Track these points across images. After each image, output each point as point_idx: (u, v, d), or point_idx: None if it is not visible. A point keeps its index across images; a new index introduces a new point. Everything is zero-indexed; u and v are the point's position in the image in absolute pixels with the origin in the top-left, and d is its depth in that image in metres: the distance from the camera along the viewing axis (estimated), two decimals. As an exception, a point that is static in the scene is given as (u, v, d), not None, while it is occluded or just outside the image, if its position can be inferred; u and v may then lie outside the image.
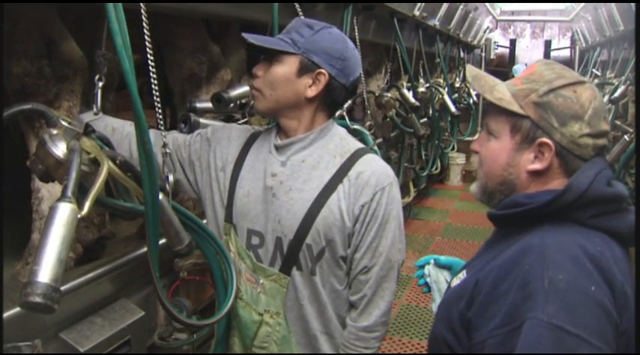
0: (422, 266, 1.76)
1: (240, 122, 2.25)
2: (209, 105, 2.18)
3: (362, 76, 2.46)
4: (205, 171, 1.79)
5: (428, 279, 1.72)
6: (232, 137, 1.81)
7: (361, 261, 1.69)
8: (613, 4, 6.30)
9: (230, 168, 1.76)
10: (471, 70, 1.43)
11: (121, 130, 1.74)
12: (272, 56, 1.65)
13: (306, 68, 1.63)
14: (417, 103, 4.37)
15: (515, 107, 1.29)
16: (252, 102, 2.20)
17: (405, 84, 4.52)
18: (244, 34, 1.65)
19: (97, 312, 1.67)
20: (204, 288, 2.05)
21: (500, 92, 1.32)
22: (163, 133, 1.71)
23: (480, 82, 1.36)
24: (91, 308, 1.66)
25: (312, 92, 1.65)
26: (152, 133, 1.77)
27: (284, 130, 1.72)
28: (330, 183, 1.66)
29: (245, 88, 2.24)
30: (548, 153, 1.26)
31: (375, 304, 1.71)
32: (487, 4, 9.82)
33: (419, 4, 4.44)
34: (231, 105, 2.15)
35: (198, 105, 2.18)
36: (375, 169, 1.69)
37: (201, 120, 2.05)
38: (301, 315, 1.72)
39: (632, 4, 5.11)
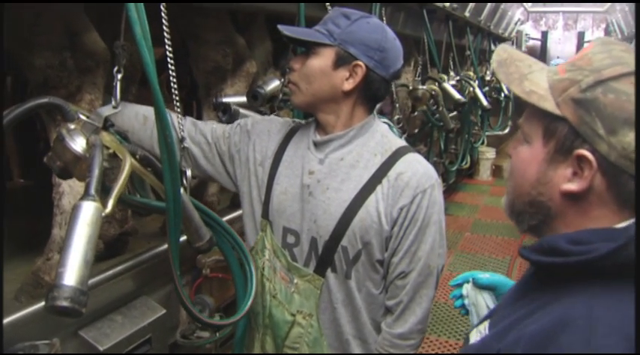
0: (459, 285, 1.55)
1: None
2: (235, 99, 2.14)
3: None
4: (244, 164, 1.75)
5: (466, 301, 1.52)
6: (272, 130, 1.76)
7: (399, 265, 1.62)
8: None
9: (269, 163, 1.71)
10: (500, 52, 1.08)
11: (153, 118, 1.70)
12: (308, 48, 1.60)
13: (343, 60, 1.57)
14: (464, 98, 4.22)
15: (548, 104, 0.96)
16: (280, 96, 2.17)
17: (446, 78, 4.41)
18: (280, 27, 1.60)
19: (118, 310, 1.64)
20: (228, 286, 2.02)
21: (534, 83, 1.00)
22: (180, 127, 1.67)
23: (508, 68, 1.04)
24: (112, 306, 1.64)
25: (349, 85, 1.58)
26: (188, 121, 1.74)
27: (322, 126, 1.66)
28: (369, 183, 1.59)
29: (276, 83, 2.20)
30: (589, 170, 0.93)
31: (411, 311, 1.64)
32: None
33: (449, -4, 4.35)
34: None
35: (225, 100, 2.14)
36: (416, 170, 1.61)
37: (241, 110, 2.01)
38: (334, 318, 1.67)
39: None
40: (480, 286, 1.50)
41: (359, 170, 1.61)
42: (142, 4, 1.21)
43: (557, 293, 0.94)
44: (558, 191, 0.97)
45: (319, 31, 1.60)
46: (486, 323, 1.10)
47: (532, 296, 1.00)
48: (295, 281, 1.67)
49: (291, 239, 1.67)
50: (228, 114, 1.99)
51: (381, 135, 1.67)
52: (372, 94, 1.63)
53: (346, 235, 1.59)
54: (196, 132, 1.75)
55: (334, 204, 1.60)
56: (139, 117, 1.68)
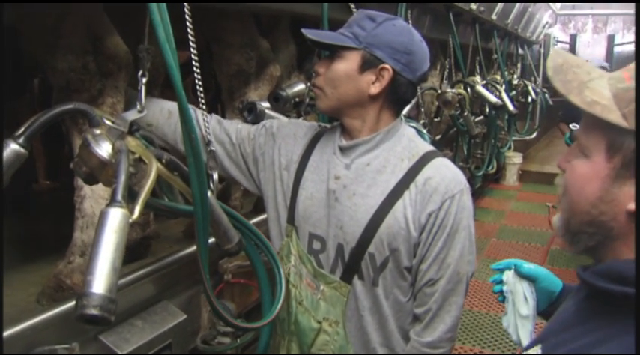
0: (500, 271, 1.55)
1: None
2: (265, 105, 2.12)
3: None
4: (269, 167, 1.73)
5: (504, 287, 1.53)
6: (298, 134, 1.74)
7: (427, 272, 1.58)
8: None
9: (294, 167, 1.69)
10: (554, 57, 0.98)
11: (177, 113, 1.69)
12: (333, 52, 1.57)
13: (369, 63, 1.54)
14: (500, 102, 4.17)
15: (613, 116, 0.87)
16: (307, 100, 2.16)
17: (479, 80, 4.36)
18: (304, 30, 1.57)
19: (138, 314, 1.63)
20: (249, 291, 2.00)
21: (595, 92, 0.90)
22: (208, 130, 1.66)
23: (565, 76, 0.94)
24: (132, 310, 1.62)
25: (375, 89, 1.55)
26: (213, 119, 1.73)
27: (348, 130, 1.64)
28: (396, 188, 1.56)
29: (301, 86, 2.18)
30: None
31: (440, 319, 1.59)
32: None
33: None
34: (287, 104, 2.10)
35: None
36: (444, 175, 1.58)
37: (267, 111, 1.99)
38: (361, 326, 1.64)
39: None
40: (521, 275, 1.48)
41: (386, 175, 1.58)
42: (164, 8, 1.19)
43: (622, 319, 0.88)
44: (624, 210, 0.89)
45: (344, 34, 1.57)
46: (537, 348, 1.03)
47: (597, 323, 0.93)
48: (321, 287, 1.64)
49: (317, 245, 1.64)
50: (253, 114, 1.97)
51: (408, 140, 1.64)
52: (399, 98, 1.60)
53: (373, 242, 1.56)
54: (221, 131, 1.74)
55: (361, 210, 1.57)
56: (163, 112, 1.69)
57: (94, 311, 0.98)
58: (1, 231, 1.07)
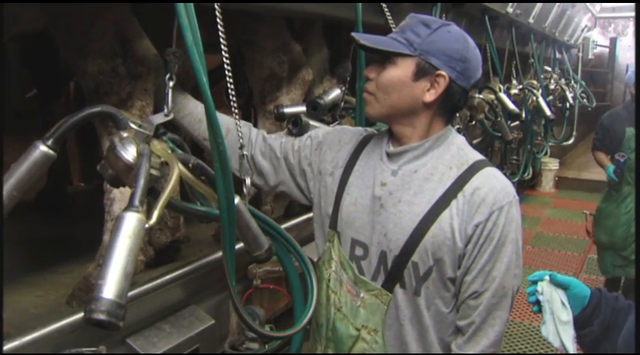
0: (534, 282, 1.58)
1: (332, 125, 2.17)
2: (295, 109, 2.11)
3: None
4: (316, 176, 1.71)
5: (540, 297, 1.55)
6: (344, 140, 1.72)
7: (472, 285, 1.53)
8: None
9: (339, 172, 1.66)
10: None
11: (231, 129, 1.66)
12: (385, 58, 1.54)
13: (424, 71, 1.51)
14: (517, 110, 4.12)
15: None
16: (342, 104, 2.13)
17: (501, 87, 4.31)
18: (354, 34, 1.55)
19: (166, 319, 1.63)
20: (278, 297, 1.98)
21: None
22: (240, 135, 1.64)
23: None
24: (160, 314, 1.62)
25: (430, 97, 1.52)
26: (260, 136, 1.73)
27: (397, 137, 1.61)
28: (443, 197, 1.52)
29: (337, 92, 2.17)
30: None
31: (483, 332, 1.54)
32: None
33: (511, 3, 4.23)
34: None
35: (287, 110, 2.11)
36: (493, 185, 1.53)
37: (311, 122, 1.99)
38: (400, 336, 1.60)
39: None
40: (556, 283, 1.55)
41: (433, 183, 1.54)
42: (192, 10, 1.18)
43: None
44: None
45: (397, 39, 1.54)
46: None
47: None
48: (362, 295, 1.61)
49: (359, 251, 1.62)
50: (299, 127, 1.97)
51: (458, 148, 1.60)
52: (452, 106, 1.57)
53: (417, 251, 1.53)
54: (266, 147, 1.73)
55: (406, 217, 1.54)
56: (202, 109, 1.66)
57: (101, 317, 0.98)
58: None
